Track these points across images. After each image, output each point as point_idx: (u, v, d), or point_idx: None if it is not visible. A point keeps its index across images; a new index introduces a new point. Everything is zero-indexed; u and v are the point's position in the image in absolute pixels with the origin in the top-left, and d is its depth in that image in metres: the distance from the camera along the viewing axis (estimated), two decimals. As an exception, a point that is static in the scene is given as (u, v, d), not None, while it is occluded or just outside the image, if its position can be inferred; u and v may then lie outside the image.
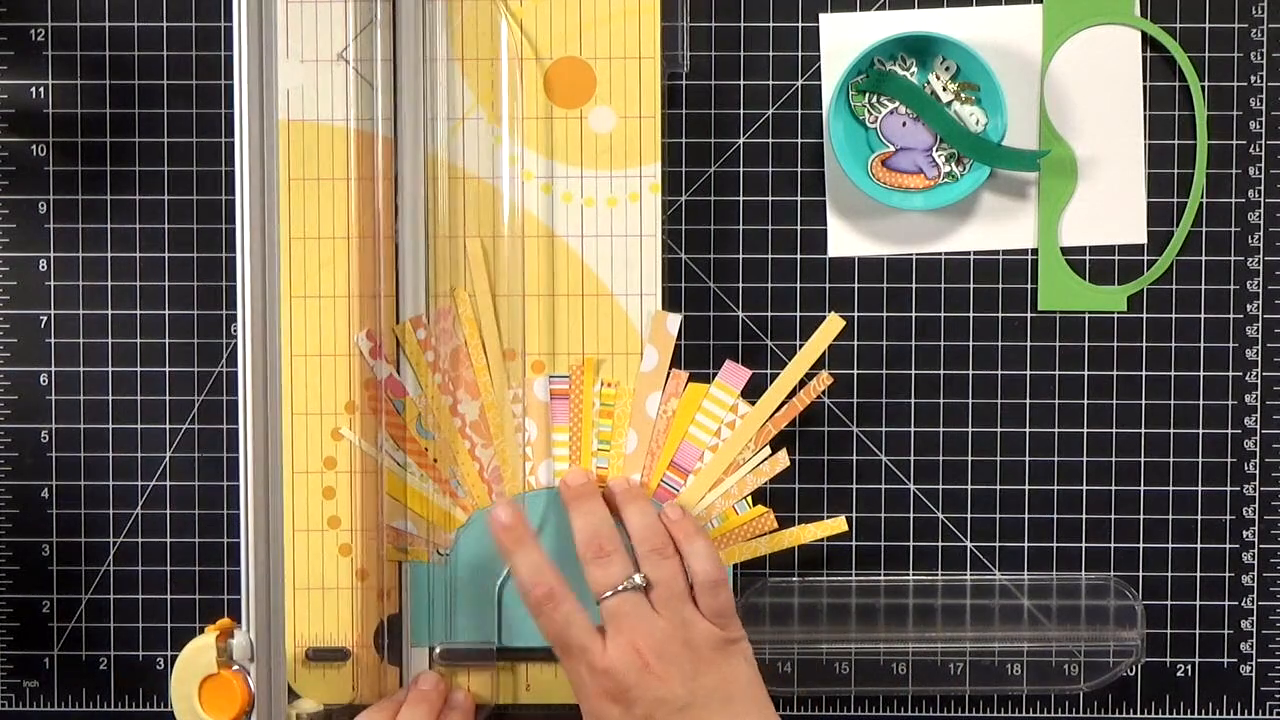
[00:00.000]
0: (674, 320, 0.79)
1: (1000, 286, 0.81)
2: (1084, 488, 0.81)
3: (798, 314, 0.81)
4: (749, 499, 0.80)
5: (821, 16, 0.80)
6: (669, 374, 0.79)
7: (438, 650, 0.79)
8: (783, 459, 0.80)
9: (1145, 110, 0.80)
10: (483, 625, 0.79)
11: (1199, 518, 0.81)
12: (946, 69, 0.79)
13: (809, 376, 0.80)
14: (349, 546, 0.79)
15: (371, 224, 0.79)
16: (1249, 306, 0.81)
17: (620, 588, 0.73)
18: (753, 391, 0.80)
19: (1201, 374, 0.81)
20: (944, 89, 0.79)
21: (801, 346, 0.80)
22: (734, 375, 0.80)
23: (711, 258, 0.81)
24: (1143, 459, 0.81)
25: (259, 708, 0.72)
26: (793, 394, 0.80)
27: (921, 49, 0.79)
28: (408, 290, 0.79)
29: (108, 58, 0.81)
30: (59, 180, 0.81)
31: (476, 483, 0.79)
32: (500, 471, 0.79)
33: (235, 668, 0.72)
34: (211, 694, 0.72)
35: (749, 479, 0.80)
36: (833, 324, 0.80)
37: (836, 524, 0.81)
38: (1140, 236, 0.81)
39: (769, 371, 0.80)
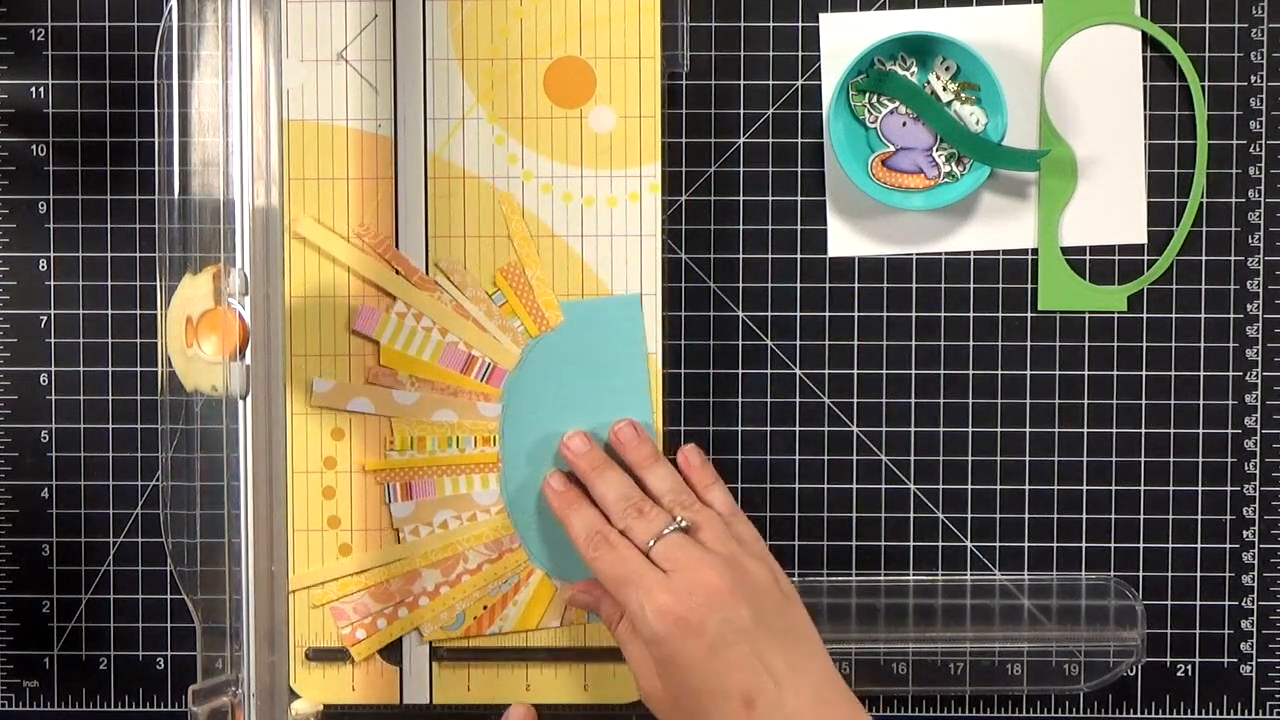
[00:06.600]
0: None
1: (1000, 286, 0.81)
2: (1084, 488, 0.81)
3: (798, 314, 0.81)
4: None
5: (821, 16, 0.80)
6: None
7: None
8: None
9: (1145, 110, 0.80)
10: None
11: (1199, 518, 0.81)
12: (946, 69, 0.79)
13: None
14: (349, 546, 0.79)
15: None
16: (1249, 306, 0.81)
17: (667, 531, 0.72)
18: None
19: (1201, 374, 0.81)
20: (944, 89, 0.79)
21: (801, 346, 0.81)
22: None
23: (711, 258, 0.81)
24: (1143, 459, 0.81)
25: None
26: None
27: (921, 49, 0.79)
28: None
29: (108, 58, 0.81)
30: (59, 180, 0.81)
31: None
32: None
33: (232, 304, 0.69)
34: (209, 328, 0.70)
35: None
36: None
37: None
38: (1140, 236, 0.81)
39: (769, 372, 0.81)
